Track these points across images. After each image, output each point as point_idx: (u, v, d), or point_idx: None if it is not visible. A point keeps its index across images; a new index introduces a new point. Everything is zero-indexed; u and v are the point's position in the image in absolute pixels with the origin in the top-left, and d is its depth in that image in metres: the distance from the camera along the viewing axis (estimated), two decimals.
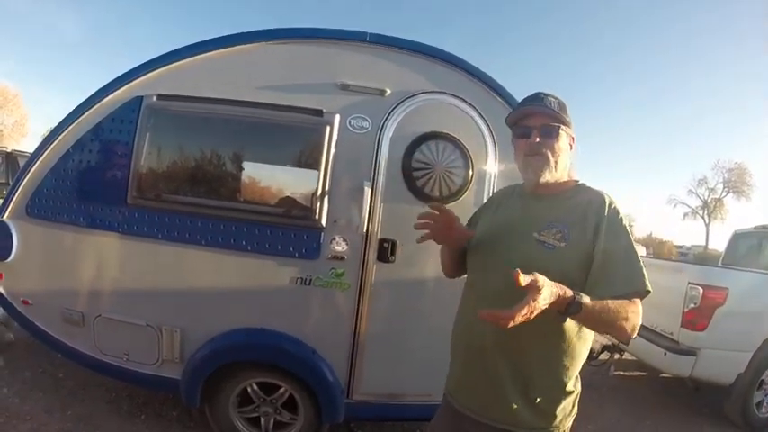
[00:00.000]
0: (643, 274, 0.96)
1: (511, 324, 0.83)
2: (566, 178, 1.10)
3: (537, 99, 1.08)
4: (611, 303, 0.92)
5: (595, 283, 0.96)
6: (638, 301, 0.95)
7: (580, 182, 1.12)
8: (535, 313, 0.83)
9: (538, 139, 1.05)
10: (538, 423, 1.01)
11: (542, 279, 0.83)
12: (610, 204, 1.02)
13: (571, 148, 1.09)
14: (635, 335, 0.95)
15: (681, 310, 2.99)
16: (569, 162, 1.09)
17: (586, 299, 0.89)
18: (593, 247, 0.97)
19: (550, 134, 1.05)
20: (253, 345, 1.98)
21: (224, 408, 2.05)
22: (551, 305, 0.85)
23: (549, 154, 1.04)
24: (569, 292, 0.87)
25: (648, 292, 0.95)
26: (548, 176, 1.05)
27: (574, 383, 1.04)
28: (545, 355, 1.00)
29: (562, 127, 1.05)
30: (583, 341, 1.02)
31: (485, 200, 1.99)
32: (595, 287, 0.95)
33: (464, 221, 1.26)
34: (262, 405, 2.07)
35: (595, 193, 1.07)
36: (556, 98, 1.08)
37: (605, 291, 0.93)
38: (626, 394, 3.59)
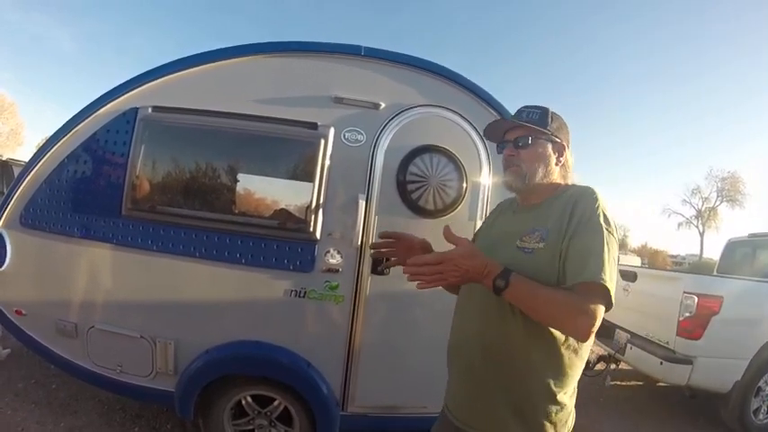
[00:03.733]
0: (600, 265, 0.88)
1: (411, 271, 0.88)
2: (556, 183, 1.09)
3: (516, 114, 1.11)
4: (548, 289, 0.89)
5: (561, 274, 0.93)
6: (592, 295, 0.87)
7: (570, 183, 1.10)
8: (448, 270, 0.87)
9: (510, 153, 1.08)
10: None
11: (462, 249, 0.90)
12: (590, 194, 0.99)
13: (561, 155, 1.08)
14: (584, 334, 0.88)
15: (676, 318, 3.00)
16: (557, 168, 1.08)
17: (517, 276, 0.89)
18: (564, 238, 0.94)
19: (522, 145, 1.07)
20: (247, 357, 1.96)
21: (218, 420, 2.04)
22: (475, 272, 0.89)
23: (523, 165, 1.06)
24: (500, 267, 0.89)
25: (603, 285, 0.87)
26: (521, 186, 1.07)
27: (569, 397, 1.01)
28: (535, 370, 0.97)
29: (536, 135, 1.06)
30: (577, 354, 0.99)
31: (479, 212, 2.01)
32: (560, 279, 0.93)
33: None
34: (256, 418, 2.05)
35: (580, 187, 1.04)
36: (539, 109, 1.09)
37: (562, 281, 0.91)
38: (623, 404, 3.59)
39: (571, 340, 0.97)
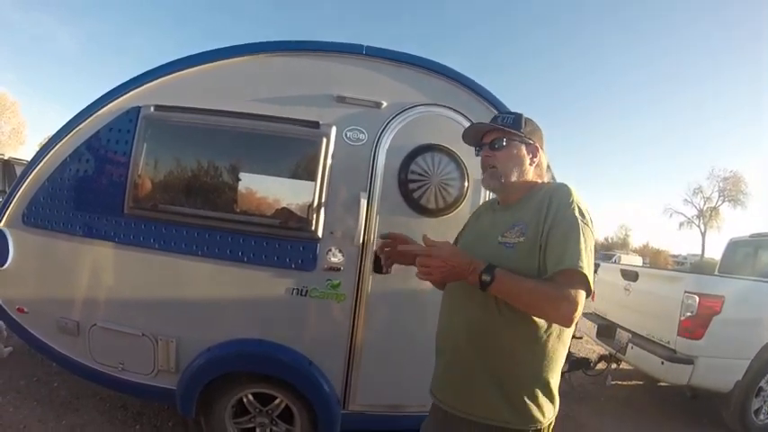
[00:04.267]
0: (577, 254, 0.94)
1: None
2: (531, 182, 1.15)
3: (492, 119, 1.19)
4: (531, 281, 0.96)
5: (541, 265, 0.99)
6: (572, 282, 0.94)
7: (545, 181, 1.17)
8: (435, 266, 0.97)
9: (486, 154, 1.16)
10: (516, 419, 1.01)
11: (449, 248, 1.00)
12: (564, 190, 1.05)
13: (535, 156, 1.15)
14: (567, 320, 0.95)
15: (677, 318, 3.00)
16: (531, 168, 1.15)
17: (502, 270, 0.96)
18: (542, 232, 1.01)
19: (498, 146, 1.14)
20: (249, 355, 1.97)
21: (219, 418, 2.04)
22: (461, 269, 0.97)
23: (498, 165, 1.13)
24: (485, 263, 0.97)
25: (581, 272, 0.93)
26: (497, 185, 1.14)
27: (554, 381, 1.04)
28: (520, 355, 1.02)
29: (511, 138, 1.13)
30: (560, 339, 1.04)
31: None
32: (540, 269, 0.99)
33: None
34: (258, 416, 2.06)
35: (555, 184, 1.11)
36: (513, 114, 1.17)
37: (543, 272, 0.98)
38: (624, 404, 3.59)
39: (554, 326, 1.02)
